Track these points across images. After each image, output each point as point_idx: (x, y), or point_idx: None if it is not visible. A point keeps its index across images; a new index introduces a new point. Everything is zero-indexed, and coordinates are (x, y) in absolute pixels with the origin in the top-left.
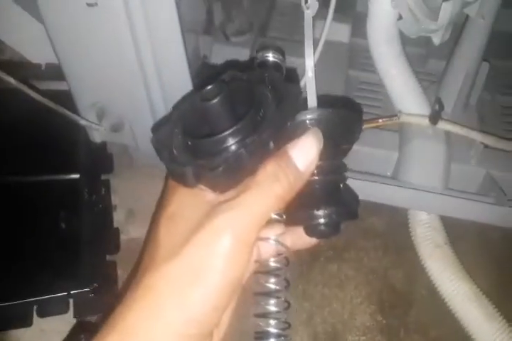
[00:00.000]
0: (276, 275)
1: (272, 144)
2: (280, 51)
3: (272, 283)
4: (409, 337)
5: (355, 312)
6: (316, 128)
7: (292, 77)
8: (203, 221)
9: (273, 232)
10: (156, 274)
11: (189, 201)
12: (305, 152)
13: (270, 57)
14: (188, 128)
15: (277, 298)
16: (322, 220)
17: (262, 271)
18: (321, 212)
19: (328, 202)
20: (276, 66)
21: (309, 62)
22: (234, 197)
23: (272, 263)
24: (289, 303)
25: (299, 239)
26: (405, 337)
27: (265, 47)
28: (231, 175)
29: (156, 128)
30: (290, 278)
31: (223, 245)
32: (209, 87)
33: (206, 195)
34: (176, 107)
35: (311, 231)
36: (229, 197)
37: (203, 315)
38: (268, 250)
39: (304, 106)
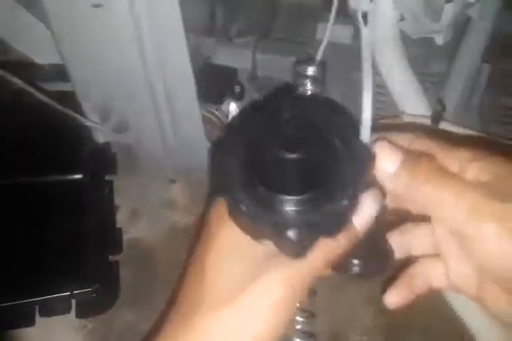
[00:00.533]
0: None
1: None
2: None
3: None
4: (411, 336)
5: (357, 312)
6: (376, 190)
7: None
8: (261, 269)
9: None
10: (211, 317)
11: (243, 242)
12: (363, 212)
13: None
14: (250, 183)
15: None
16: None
17: None
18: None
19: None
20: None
21: (367, 114)
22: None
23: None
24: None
25: None
26: (407, 337)
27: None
28: (304, 238)
29: (220, 153)
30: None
31: (280, 296)
32: (292, 146)
33: (258, 245)
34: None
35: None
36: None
37: None
38: None
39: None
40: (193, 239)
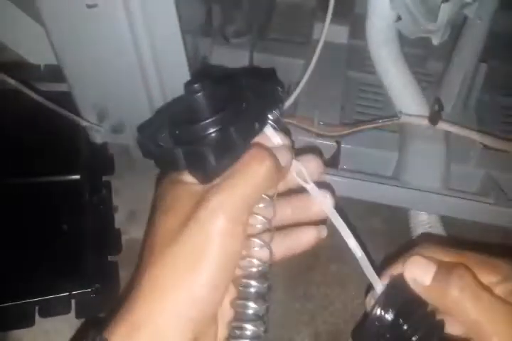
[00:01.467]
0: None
1: (257, 126)
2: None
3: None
4: None
5: (356, 312)
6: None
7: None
8: (196, 206)
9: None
10: (158, 262)
11: (181, 194)
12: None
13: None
14: (175, 122)
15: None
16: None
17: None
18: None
19: None
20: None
21: (352, 242)
22: (223, 179)
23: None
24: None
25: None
26: None
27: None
28: (219, 157)
29: (141, 127)
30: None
31: (218, 225)
32: (195, 85)
33: (197, 186)
34: (158, 110)
35: None
36: (218, 182)
37: (205, 294)
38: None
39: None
40: None
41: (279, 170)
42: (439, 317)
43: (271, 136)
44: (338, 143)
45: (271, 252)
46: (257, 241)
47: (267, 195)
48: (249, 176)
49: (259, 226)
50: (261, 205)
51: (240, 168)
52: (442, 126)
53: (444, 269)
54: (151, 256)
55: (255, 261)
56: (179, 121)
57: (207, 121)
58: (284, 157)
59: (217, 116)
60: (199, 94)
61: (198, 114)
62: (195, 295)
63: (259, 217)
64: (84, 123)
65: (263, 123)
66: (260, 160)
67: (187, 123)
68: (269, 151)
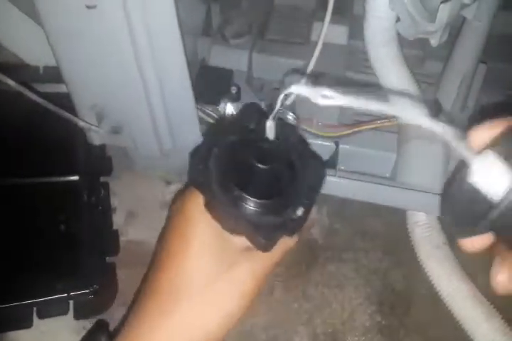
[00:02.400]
0: None
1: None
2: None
3: None
4: (409, 337)
5: (354, 312)
6: None
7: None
8: (234, 261)
9: None
10: (188, 303)
11: (219, 237)
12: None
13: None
14: (227, 171)
15: None
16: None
17: None
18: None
19: None
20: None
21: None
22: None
23: None
24: None
25: None
26: (405, 337)
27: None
28: (291, 232)
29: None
30: None
31: (249, 284)
32: (261, 150)
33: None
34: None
35: None
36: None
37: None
38: None
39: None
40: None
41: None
42: None
43: None
44: (337, 143)
45: None
46: None
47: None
48: (283, 251)
49: None
50: None
51: (282, 243)
52: None
53: None
54: (184, 293)
55: None
56: (231, 172)
57: (298, 204)
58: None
59: (306, 201)
60: (267, 167)
61: (255, 188)
62: (211, 335)
63: None
64: (82, 124)
65: (312, 199)
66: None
67: (274, 195)
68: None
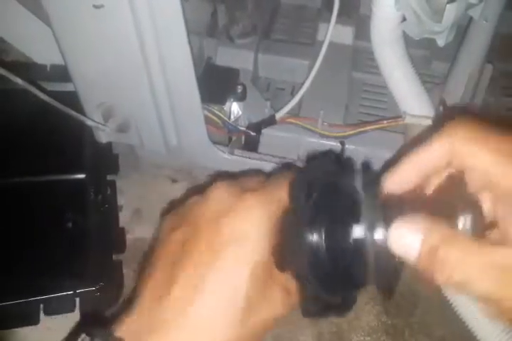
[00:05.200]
0: None
1: None
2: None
3: None
4: (414, 337)
5: (360, 312)
6: None
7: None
8: (246, 314)
9: None
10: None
11: (240, 283)
12: None
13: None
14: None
15: None
16: None
17: None
18: None
19: None
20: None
21: None
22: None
23: None
24: None
25: None
26: (410, 337)
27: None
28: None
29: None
30: None
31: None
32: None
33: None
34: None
35: None
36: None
37: None
38: None
39: None
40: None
41: None
42: None
43: None
44: (343, 143)
45: None
46: None
47: None
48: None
49: None
50: None
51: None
52: None
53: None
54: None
55: None
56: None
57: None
58: None
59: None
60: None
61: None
62: None
63: None
64: (89, 123)
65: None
66: None
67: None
68: None
